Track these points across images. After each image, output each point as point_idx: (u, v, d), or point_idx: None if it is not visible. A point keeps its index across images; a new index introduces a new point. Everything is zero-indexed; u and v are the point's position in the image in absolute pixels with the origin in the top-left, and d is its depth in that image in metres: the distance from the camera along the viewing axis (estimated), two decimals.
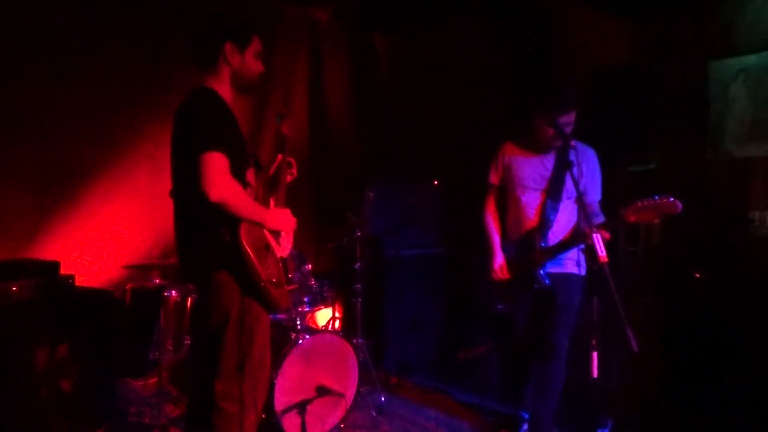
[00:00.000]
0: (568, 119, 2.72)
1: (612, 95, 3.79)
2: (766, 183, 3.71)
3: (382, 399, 3.56)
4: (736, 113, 3.86)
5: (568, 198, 2.84)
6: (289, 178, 2.56)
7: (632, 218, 2.42)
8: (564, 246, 2.80)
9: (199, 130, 2.06)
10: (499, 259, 2.96)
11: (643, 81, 3.87)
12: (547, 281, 2.81)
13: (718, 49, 3.88)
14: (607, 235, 2.49)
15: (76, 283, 3.21)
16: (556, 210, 2.82)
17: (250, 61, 2.27)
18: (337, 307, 3.98)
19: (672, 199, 2.31)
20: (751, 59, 3.75)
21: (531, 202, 2.90)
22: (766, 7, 3.67)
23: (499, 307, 2.96)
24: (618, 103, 3.76)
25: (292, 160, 2.57)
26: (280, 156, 2.56)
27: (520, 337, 3.01)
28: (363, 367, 3.34)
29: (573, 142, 2.67)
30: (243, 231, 2.10)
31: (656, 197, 2.34)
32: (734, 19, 3.82)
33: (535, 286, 2.82)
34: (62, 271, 3.21)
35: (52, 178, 3.53)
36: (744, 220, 3.77)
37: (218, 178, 2.01)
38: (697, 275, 3.85)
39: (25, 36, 3.40)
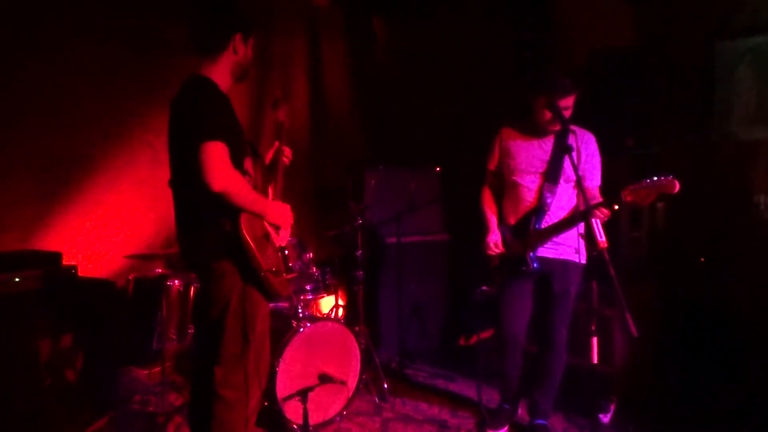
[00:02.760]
0: (567, 103, 2.69)
1: (614, 78, 3.74)
2: None
3: (385, 386, 3.58)
4: (742, 95, 3.80)
5: (566, 182, 2.82)
6: (285, 161, 2.56)
7: (629, 198, 2.40)
8: (557, 228, 2.77)
9: (199, 119, 2.04)
10: (494, 235, 2.95)
11: (646, 63, 3.81)
12: (535, 264, 2.80)
13: (724, 30, 3.81)
14: (607, 212, 2.47)
15: (79, 273, 3.23)
16: (553, 193, 2.79)
17: (249, 52, 2.29)
18: (340, 294, 3.98)
19: (671, 177, 2.29)
20: (758, 40, 3.68)
21: (528, 185, 2.87)
22: None
23: (484, 289, 2.97)
24: (620, 86, 3.71)
25: (286, 149, 2.57)
26: (277, 143, 2.56)
27: (516, 326, 2.95)
28: (365, 355, 3.35)
29: (573, 127, 2.66)
30: (243, 221, 2.10)
31: (655, 177, 2.32)
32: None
33: (523, 268, 2.81)
34: (65, 262, 3.23)
35: (53, 169, 3.54)
36: (749, 204, 3.73)
37: (220, 167, 2.00)
38: (702, 260, 3.83)
39: (26, 26, 3.38)
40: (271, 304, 2.43)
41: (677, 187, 2.29)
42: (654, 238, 3.73)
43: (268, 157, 2.57)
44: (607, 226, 2.44)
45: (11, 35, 3.33)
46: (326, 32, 4.95)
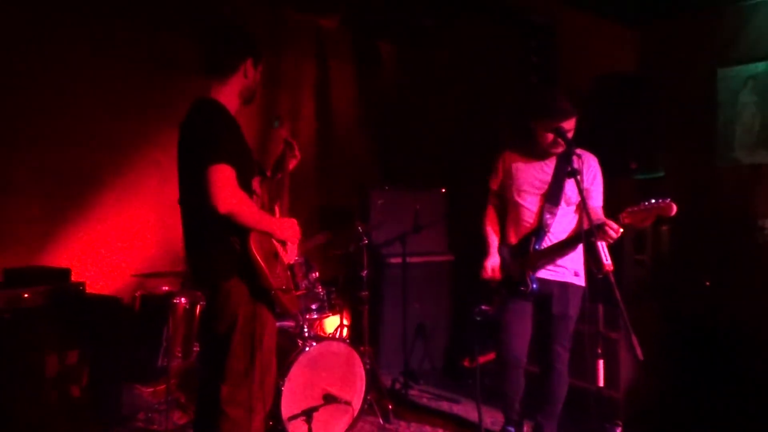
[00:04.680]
0: (568, 126, 2.73)
1: (618, 103, 3.78)
2: None
3: (390, 407, 3.56)
4: (744, 121, 3.85)
5: (567, 204, 2.84)
6: (293, 162, 2.54)
7: (627, 220, 2.44)
8: (557, 249, 2.79)
9: (205, 142, 2.08)
10: (493, 259, 2.97)
11: (649, 89, 3.86)
12: (534, 285, 2.81)
13: (726, 57, 3.88)
14: (617, 228, 2.47)
15: (87, 290, 3.25)
16: (553, 214, 2.82)
17: (258, 76, 2.34)
18: (344, 314, 3.99)
19: (669, 200, 2.32)
20: (760, 67, 3.74)
21: (529, 206, 2.90)
22: None
23: (483, 308, 2.94)
24: (624, 111, 3.75)
25: (293, 142, 2.54)
26: (284, 133, 2.55)
27: (515, 347, 2.93)
28: (370, 375, 3.34)
29: (576, 150, 2.68)
30: (253, 240, 2.13)
31: (653, 200, 2.35)
32: (741, 27, 3.82)
33: (522, 288, 2.82)
34: (73, 278, 3.25)
35: (62, 186, 3.58)
36: (753, 228, 3.75)
37: (226, 190, 2.04)
38: (707, 283, 3.84)
39: (35, 43, 3.45)
40: (277, 323, 2.43)
41: (674, 209, 2.32)
42: (658, 261, 3.74)
43: (276, 154, 2.56)
44: (612, 249, 2.46)
45: (22, 53, 3.39)
46: (334, 53, 5.03)
